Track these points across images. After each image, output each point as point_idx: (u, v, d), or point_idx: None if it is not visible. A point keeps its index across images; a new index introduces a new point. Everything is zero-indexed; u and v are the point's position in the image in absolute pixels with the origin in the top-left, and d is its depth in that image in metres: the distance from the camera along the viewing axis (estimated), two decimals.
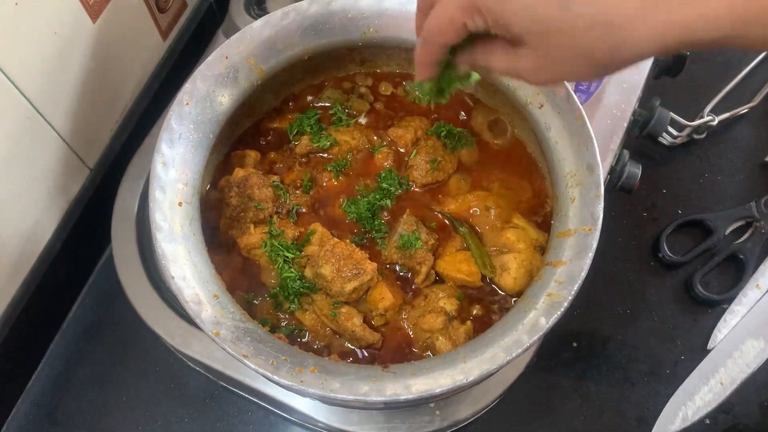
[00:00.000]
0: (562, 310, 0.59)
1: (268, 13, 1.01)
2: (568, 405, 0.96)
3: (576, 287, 0.60)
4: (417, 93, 0.73)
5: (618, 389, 0.97)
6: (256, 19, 1.01)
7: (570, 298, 0.60)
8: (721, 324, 1.00)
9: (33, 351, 0.97)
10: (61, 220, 0.94)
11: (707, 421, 0.95)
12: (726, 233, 1.05)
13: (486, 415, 0.90)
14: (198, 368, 0.92)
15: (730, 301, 1.01)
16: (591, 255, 0.61)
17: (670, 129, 1.09)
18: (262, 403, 0.90)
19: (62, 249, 0.94)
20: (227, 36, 1.04)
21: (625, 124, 0.95)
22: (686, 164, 1.12)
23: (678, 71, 1.06)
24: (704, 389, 0.96)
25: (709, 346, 0.99)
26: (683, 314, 1.02)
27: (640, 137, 1.03)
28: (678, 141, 1.11)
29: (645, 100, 0.99)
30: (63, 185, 0.93)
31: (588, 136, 0.66)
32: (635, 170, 0.93)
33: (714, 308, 1.01)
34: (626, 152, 0.96)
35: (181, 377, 0.96)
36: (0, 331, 0.88)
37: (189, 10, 1.07)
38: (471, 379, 0.56)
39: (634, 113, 0.97)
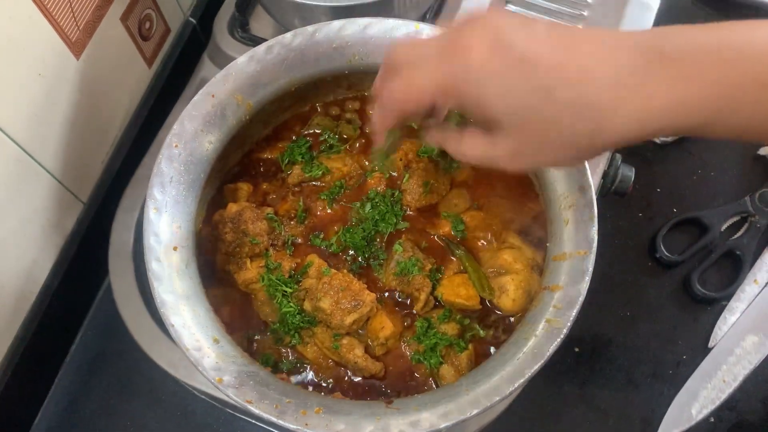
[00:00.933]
0: (562, 336, 0.60)
1: (251, 35, 1.01)
2: (573, 411, 0.97)
3: (574, 313, 0.60)
4: (374, 162, 0.71)
5: (622, 392, 0.98)
6: (240, 42, 1.01)
7: (569, 324, 0.60)
8: (720, 321, 1.00)
9: (38, 387, 0.97)
10: (58, 257, 0.94)
11: (712, 420, 0.96)
12: (722, 230, 1.05)
13: (491, 426, 0.91)
14: (204, 397, 0.92)
15: (728, 298, 1.01)
16: (587, 279, 0.61)
17: None
18: (271, 429, 0.90)
19: (60, 285, 0.94)
20: (212, 60, 1.04)
21: None
22: (679, 162, 1.12)
23: None
24: (707, 388, 0.97)
25: (710, 344, 1.00)
26: (683, 314, 1.02)
27: None
28: (670, 139, 1.11)
29: None
30: (57, 222, 0.93)
31: None
32: (628, 173, 0.93)
33: (713, 306, 1.02)
34: (618, 156, 0.95)
35: (187, 405, 0.97)
36: (4, 371, 0.88)
37: (172, 36, 1.07)
38: (475, 412, 0.57)
39: None
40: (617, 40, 0.44)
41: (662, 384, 0.98)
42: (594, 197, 0.64)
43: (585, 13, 1.04)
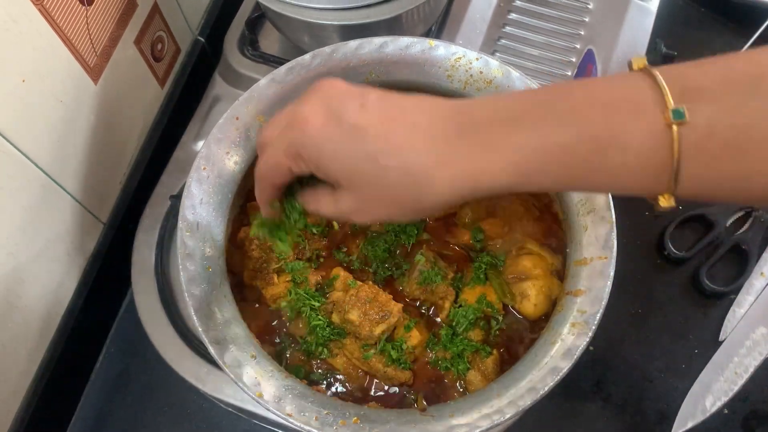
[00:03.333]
0: (588, 339, 0.62)
1: (261, 53, 1.03)
2: (590, 407, 0.99)
3: (599, 315, 0.63)
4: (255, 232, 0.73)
5: (637, 388, 1.00)
6: (250, 59, 1.03)
7: (594, 327, 0.62)
8: (730, 315, 1.03)
9: (65, 406, 0.99)
10: (81, 278, 0.96)
11: (726, 411, 0.98)
12: (727, 225, 1.07)
13: (510, 425, 0.93)
14: (230, 409, 0.94)
15: (736, 291, 1.04)
16: (609, 283, 0.64)
17: None
18: None
19: (84, 304, 0.96)
20: (224, 78, 1.06)
21: None
22: None
23: None
24: (720, 380, 0.99)
25: (721, 337, 1.02)
26: (693, 308, 1.05)
27: None
28: None
29: None
30: (80, 243, 0.94)
31: None
32: None
33: (722, 300, 1.04)
34: None
35: (214, 418, 0.99)
36: (34, 392, 0.90)
37: (182, 55, 1.09)
38: (507, 416, 0.59)
39: None
40: (438, 110, 0.49)
41: (676, 378, 1.00)
42: (611, 203, 0.66)
43: (586, 19, 1.07)
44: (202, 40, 1.12)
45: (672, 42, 1.10)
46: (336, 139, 0.48)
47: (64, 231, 0.90)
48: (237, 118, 0.72)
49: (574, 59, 1.04)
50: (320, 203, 0.56)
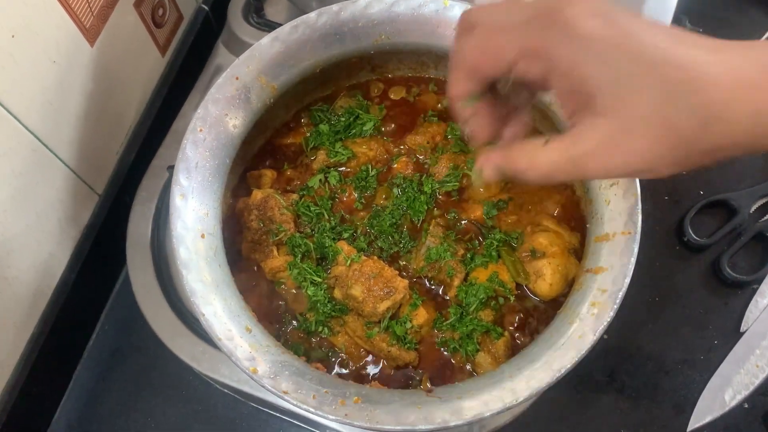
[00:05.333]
0: (609, 319, 0.57)
1: (267, 20, 0.99)
2: (604, 398, 0.95)
3: (621, 294, 0.58)
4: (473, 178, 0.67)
5: (653, 379, 0.96)
6: (255, 27, 0.98)
7: (615, 306, 0.58)
8: (752, 305, 0.98)
9: (57, 384, 0.95)
10: (74, 250, 0.92)
11: (746, 405, 0.94)
12: (750, 211, 1.02)
13: (522, 416, 0.89)
14: (226, 390, 0.90)
15: (759, 281, 0.99)
16: (633, 260, 0.59)
17: None
18: (295, 422, 0.88)
19: (77, 279, 0.92)
20: (227, 46, 1.02)
21: None
22: None
23: None
24: (740, 373, 0.94)
25: (742, 328, 0.97)
26: (713, 298, 1.00)
27: None
28: None
29: None
30: (73, 215, 0.90)
31: None
32: None
33: (744, 289, 0.99)
34: None
35: (209, 399, 0.95)
36: (22, 367, 0.86)
37: (185, 23, 1.04)
38: (521, 399, 0.55)
39: None
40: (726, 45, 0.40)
41: (693, 370, 0.96)
42: None
43: None
44: (206, 8, 1.07)
45: (697, 19, 1.05)
46: (607, 40, 0.39)
47: (56, 200, 0.86)
48: (237, 78, 0.67)
49: None
50: (536, 156, 0.43)
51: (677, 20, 1.02)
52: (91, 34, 0.83)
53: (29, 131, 0.76)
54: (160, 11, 0.97)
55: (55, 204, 0.86)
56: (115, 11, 0.86)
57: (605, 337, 0.97)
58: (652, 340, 0.98)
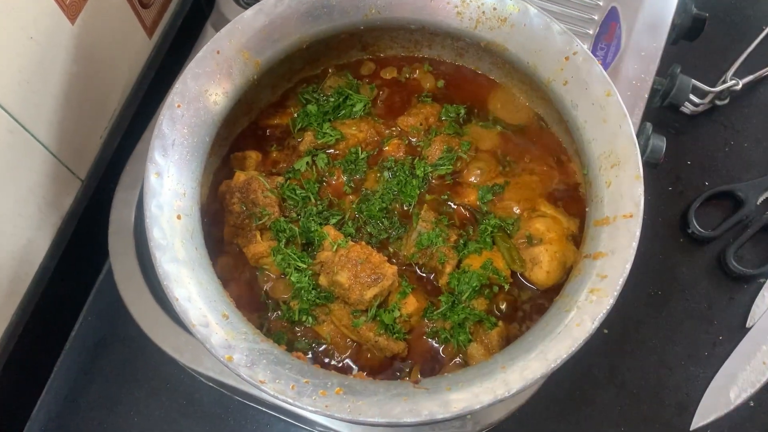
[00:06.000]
0: (608, 307, 0.54)
1: (257, 2, 0.95)
2: (603, 395, 0.91)
3: (622, 281, 0.55)
4: None
5: (654, 375, 0.92)
6: (246, 8, 0.95)
7: (615, 293, 0.54)
8: (759, 300, 0.95)
9: (36, 376, 0.92)
10: (55, 237, 0.89)
11: (752, 404, 0.90)
12: (757, 203, 0.99)
13: (518, 412, 0.85)
14: (211, 384, 0.87)
15: (766, 275, 0.96)
16: (635, 244, 0.56)
17: (692, 96, 1.03)
18: (283, 417, 0.85)
19: (58, 267, 0.88)
20: (217, 29, 0.98)
21: (646, 95, 0.89)
22: (710, 133, 1.06)
23: (696, 35, 1.00)
24: (746, 370, 0.91)
25: (748, 324, 0.94)
26: (718, 292, 0.96)
27: (660, 108, 0.97)
28: (700, 109, 1.05)
29: (663, 68, 0.93)
30: (54, 200, 0.87)
31: (621, 113, 0.60)
32: (659, 143, 0.87)
33: (750, 284, 0.96)
34: (649, 125, 0.90)
35: (193, 393, 0.92)
36: None
37: (174, 3, 1.01)
38: (514, 391, 0.51)
39: (654, 83, 0.91)
40: None
41: (697, 366, 0.92)
42: (639, 155, 0.58)
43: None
44: None
45: (703, 3, 1.01)
46: None
47: (35, 184, 0.82)
48: (218, 52, 0.64)
49: (596, 17, 0.96)
50: None
51: (682, 4, 0.99)
52: (71, 10, 0.79)
53: (5, 110, 0.73)
54: None
55: (34, 188, 0.82)
56: None
57: (605, 331, 0.94)
58: (654, 335, 0.94)
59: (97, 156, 0.93)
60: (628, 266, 0.55)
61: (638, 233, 0.56)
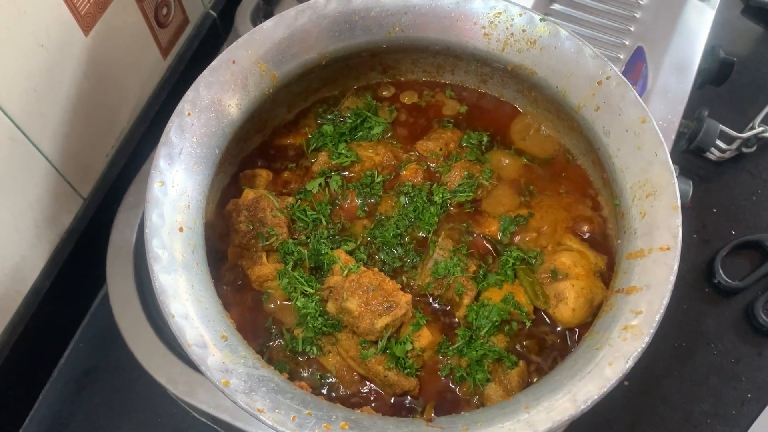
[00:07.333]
0: (644, 345, 0.49)
1: None
2: None
3: (659, 317, 0.50)
4: None
5: None
6: None
7: (652, 330, 0.50)
8: None
9: (20, 404, 0.87)
10: (51, 256, 0.85)
11: None
12: None
13: None
14: (204, 419, 0.82)
15: None
16: (672, 278, 0.51)
17: (718, 142, 1.00)
18: None
19: (52, 288, 0.84)
20: None
21: (673, 137, 0.86)
22: (736, 180, 1.02)
23: (723, 79, 0.98)
24: None
25: None
26: (746, 346, 0.91)
27: (685, 153, 0.94)
28: (726, 155, 1.02)
29: (689, 111, 0.91)
30: (53, 216, 0.83)
31: (657, 140, 0.56)
32: (686, 187, 0.84)
33: None
34: (675, 167, 0.86)
35: (185, 429, 0.86)
36: None
37: (191, 27, 0.99)
38: None
39: (680, 125, 0.88)
40: None
41: (725, 425, 0.87)
42: (676, 183, 0.54)
43: (637, 15, 0.96)
44: (214, 14, 1.03)
45: (731, 49, 0.99)
46: None
47: (34, 198, 0.79)
48: (233, 62, 0.61)
49: (622, 56, 0.93)
50: None
51: (710, 48, 0.97)
52: (86, 22, 0.77)
53: (7, 116, 0.70)
54: (164, 10, 0.92)
55: (32, 203, 0.79)
56: (115, 2, 0.81)
57: (626, 383, 0.89)
58: (678, 389, 0.89)
59: (101, 174, 0.90)
60: (665, 302, 0.51)
61: (676, 267, 0.52)
